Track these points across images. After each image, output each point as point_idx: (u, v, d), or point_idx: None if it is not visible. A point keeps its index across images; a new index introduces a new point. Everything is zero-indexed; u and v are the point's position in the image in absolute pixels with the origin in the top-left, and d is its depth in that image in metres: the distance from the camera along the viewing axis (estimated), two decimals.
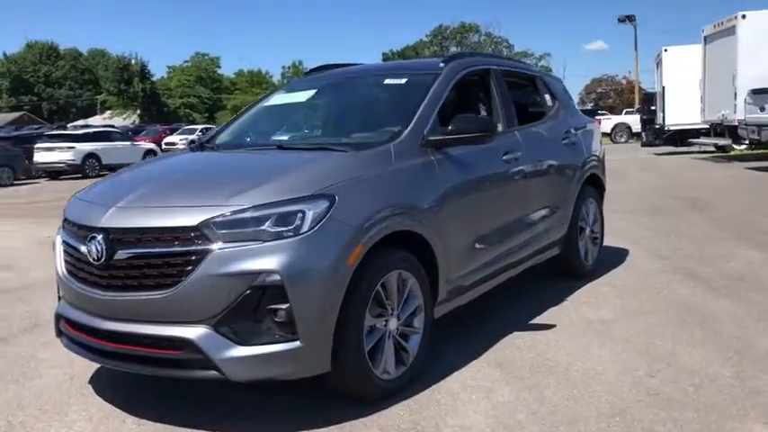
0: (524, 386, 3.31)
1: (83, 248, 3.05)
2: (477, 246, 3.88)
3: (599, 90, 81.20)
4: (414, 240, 3.37)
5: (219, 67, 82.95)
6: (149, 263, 2.86)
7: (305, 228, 2.83)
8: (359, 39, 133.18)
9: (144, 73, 65.80)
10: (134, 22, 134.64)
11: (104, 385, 3.54)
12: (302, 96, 4.58)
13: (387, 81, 4.28)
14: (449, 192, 3.61)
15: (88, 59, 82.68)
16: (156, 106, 66.17)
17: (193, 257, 2.78)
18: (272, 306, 2.78)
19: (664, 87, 21.31)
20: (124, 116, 63.26)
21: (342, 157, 3.40)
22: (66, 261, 3.28)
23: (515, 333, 4.07)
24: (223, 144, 4.27)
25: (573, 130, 5.22)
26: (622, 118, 35.05)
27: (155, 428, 3.01)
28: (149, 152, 25.54)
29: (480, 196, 3.92)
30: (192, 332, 2.78)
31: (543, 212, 4.66)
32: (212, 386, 3.31)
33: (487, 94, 4.46)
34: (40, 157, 22.89)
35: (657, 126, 22.41)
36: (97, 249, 2.95)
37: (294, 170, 3.21)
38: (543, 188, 4.67)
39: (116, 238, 2.94)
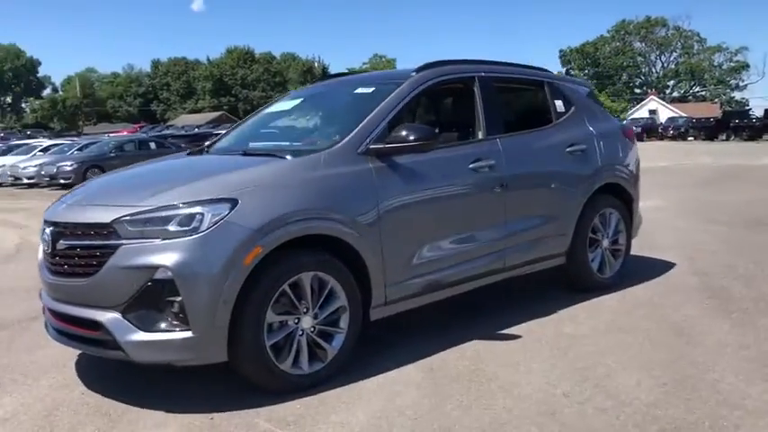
0: (432, 393, 3.34)
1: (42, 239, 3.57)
2: (428, 251, 3.91)
3: None
4: (342, 244, 3.53)
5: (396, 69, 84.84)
6: (77, 253, 3.32)
7: (202, 228, 3.11)
8: (536, 36, 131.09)
9: (325, 75, 69.04)
10: (321, 26, 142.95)
11: (84, 361, 4.03)
12: (290, 105, 4.87)
13: (357, 90, 4.42)
14: (388, 198, 3.69)
15: (280, 63, 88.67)
16: None
17: (107, 250, 3.18)
18: (170, 298, 3.10)
19: None
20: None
21: (270, 164, 3.62)
22: (41, 251, 3.83)
23: (474, 341, 4.04)
24: (214, 149, 4.63)
25: (587, 138, 4.97)
26: None
27: (93, 399, 3.45)
28: None
29: (433, 203, 3.94)
30: (104, 316, 3.17)
31: (532, 221, 4.52)
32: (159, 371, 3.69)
33: (470, 102, 4.43)
34: None
35: None
36: (46, 240, 3.46)
37: (214, 174, 3.51)
38: (530, 196, 4.53)
39: (58, 230, 3.42)
